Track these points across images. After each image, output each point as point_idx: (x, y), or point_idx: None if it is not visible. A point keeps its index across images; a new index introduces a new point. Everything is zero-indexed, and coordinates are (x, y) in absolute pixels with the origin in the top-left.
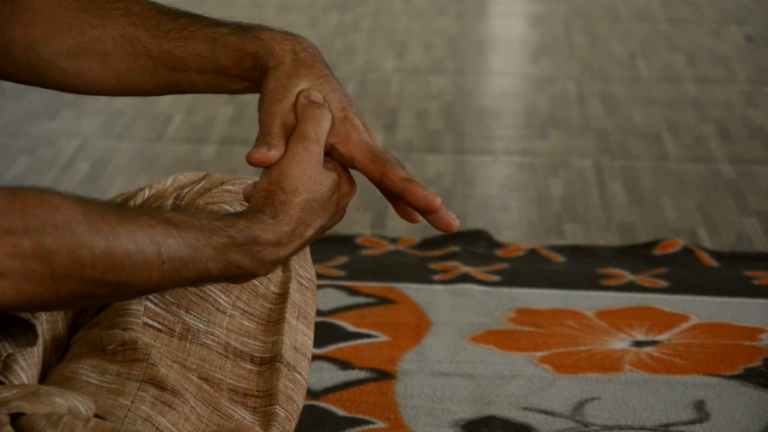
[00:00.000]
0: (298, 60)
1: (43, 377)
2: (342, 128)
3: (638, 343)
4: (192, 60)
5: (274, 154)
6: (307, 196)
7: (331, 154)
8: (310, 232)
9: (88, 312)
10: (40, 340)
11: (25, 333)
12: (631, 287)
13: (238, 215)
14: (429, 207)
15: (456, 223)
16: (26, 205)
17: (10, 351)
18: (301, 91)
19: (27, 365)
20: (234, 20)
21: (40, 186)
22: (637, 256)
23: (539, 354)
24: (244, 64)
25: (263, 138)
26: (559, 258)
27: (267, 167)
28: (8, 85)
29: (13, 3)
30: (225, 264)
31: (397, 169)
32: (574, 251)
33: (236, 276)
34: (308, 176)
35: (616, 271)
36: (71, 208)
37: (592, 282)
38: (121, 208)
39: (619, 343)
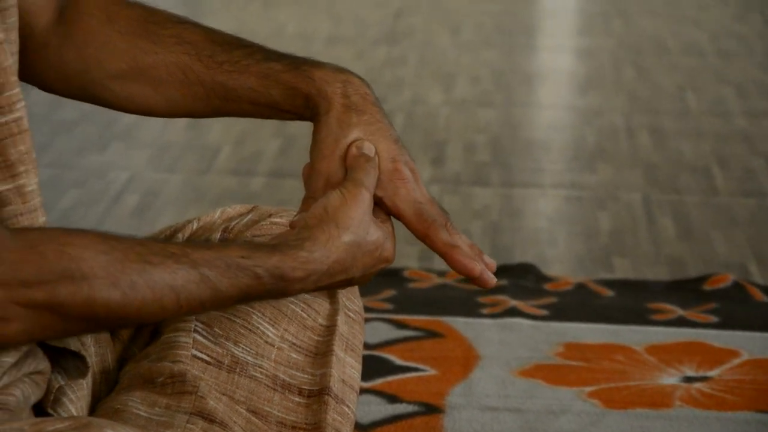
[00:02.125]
0: (349, 105)
1: (93, 410)
2: (390, 182)
3: (688, 379)
4: (244, 93)
5: None
6: (354, 238)
7: (378, 205)
8: (341, 277)
9: (137, 344)
10: (90, 372)
11: (77, 365)
12: (680, 322)
13: (272, 249)
14: (468, 275)
15: (492, 282)
16: (43, 259)
17: (62, 383)
18: (353, 142)
19: (76, 398)
20: (287, 53)
21: (68, 229)
22: (687, 290)
23: (588, 389)
24: (296, 102)
25: (308, 203)
26: (608, 292)
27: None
28: (59, 118)
29: (69, 25)
30: (245, 297)
31: (441, 233)
32: (623, 285)
33: (252, 302)
34: (360, 220)
35: (666, 305)
36: (91, 261)
37: (641, 317)
38: (147, 252)
39: (669, 378)
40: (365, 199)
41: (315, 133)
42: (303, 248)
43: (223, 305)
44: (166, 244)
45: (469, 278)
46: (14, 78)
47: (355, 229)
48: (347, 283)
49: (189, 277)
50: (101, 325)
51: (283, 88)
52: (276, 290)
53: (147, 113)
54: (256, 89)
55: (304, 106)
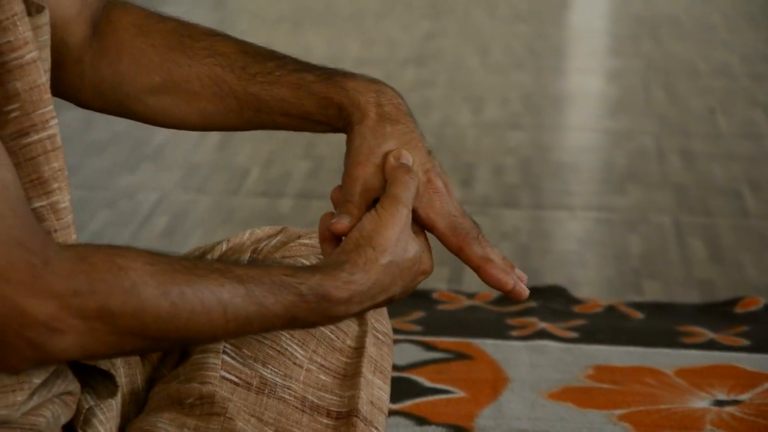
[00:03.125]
0: (383, 115)
1: (122, 430)
2: (425, 194)
3: (719, 403)
4: (277, 104)
5: (353, 224)
6: (392, 258)
7: (412, 218)
8: (382, 297)
9: (166, 366)
10: (119, 393)
11: (106, 384)
12: (711, 345)
13: (314, 269)
14: (501, 289)
15: (525, 293)
16: (94, 269)
17: (91, 404)
18: (389, 152)
19: (105, 419)
20: (319, 64)
21: (114, 245)
22: (718, 313)
23: (618, 412)
24: (329, 112)
25: (346, 207)
26: (638, 315)
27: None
28: (90, 139)
29: (102, 40)
30: (291, 319)
31: (475, 247)
32: (653, 308)
33: (300, 327)
34: (396, 239)
35: (697, 328)
36: (140, 270)
37: (671, 339)
38: (193, 266)
39: (700, 402)
40: (402, 216)
41: (349, 142)
42: (344, 269)
43: (271, 325)
44: (210, 261)
45: (503, 291)
46: (48, 95)
47: (393, 249)
48: (389, 301)
49: (235, 291)
50: (151, 338)
51: (316, 99)
52: (320, 311)
53: (181, 127)
54: (289, 100)
55: (337, 116)
